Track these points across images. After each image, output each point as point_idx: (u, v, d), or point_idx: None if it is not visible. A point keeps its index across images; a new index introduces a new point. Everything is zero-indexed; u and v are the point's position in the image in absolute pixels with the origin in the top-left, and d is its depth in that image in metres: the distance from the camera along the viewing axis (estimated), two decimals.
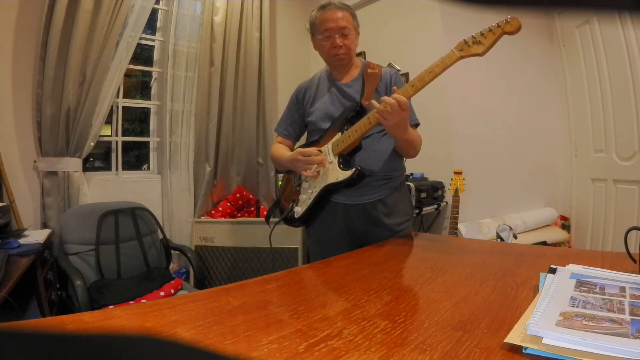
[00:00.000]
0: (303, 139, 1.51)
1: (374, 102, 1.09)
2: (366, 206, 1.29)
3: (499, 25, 0.96)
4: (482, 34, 0.98)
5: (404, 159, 1.40)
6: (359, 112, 1.24)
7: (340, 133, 1.25)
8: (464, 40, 1.00)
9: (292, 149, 1.44)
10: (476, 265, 0.89)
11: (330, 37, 1.29)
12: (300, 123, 1.45)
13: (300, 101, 1.43)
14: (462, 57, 1.01)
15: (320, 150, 1.27)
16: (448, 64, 1.02)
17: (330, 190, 1.26)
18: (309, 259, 1.45)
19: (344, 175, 1.21)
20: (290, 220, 1.37)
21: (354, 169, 1.20)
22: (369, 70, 1.32)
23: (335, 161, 1.24)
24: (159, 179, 2.68)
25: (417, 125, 1.33)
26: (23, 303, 1.64)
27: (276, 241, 2.35)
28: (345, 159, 1.24)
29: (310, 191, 1.30)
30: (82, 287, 1.61)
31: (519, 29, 0.94)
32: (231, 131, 2.88)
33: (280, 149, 1.42)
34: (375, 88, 1.29)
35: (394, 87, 1.12)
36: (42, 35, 2.07)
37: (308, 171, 1.24)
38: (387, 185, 1.31)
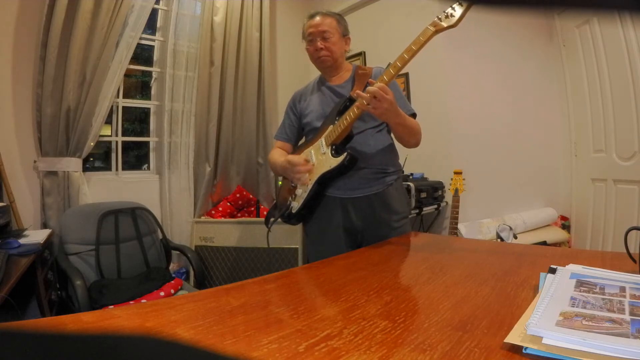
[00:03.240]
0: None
1: (359, 92, 1.12)
2: (362, 200, 1.31)
3: None
4: (452, 8, 1.01)
5: (398, 156, 1.41)
6: (349, 105, 1.25)
7: (332, 126, 1.27)
8: (437, 16, 1.04)
9: (291, 153, 1.47)
10: (476, 265, 0.89)
11: (312, 41, 1.36)
12: (298, 126, 1.48)
13: (297, 106, 1.47)
14: (436, 32, 1.05)
15: (307, 160, 1.29)
16: (423, 41, 1.06)
17: (325, 180, 1.27)
18: (308, 259, 1.46)
19: (336, 161, 1.22)
20: (288, 217, 1.38)
21: (345, 154, 1.21)
22: (360, 72, 1.34)
23: (328, 151, 1.26)
24: (159, 179, 2.68)
25: (414, 115, 1.34)
26: (23, 303, 1.64)
27: (276, 241, 2.35)
28: (338, 147, 1.26)
29: (306, 184, 1.31)
30: (82, 287, 1.61)
31: None
32: (231, 131, 2.88)
33: (276, 155, 1.44)
34: (366, 85, 1.30)
35: (370, 80, 1.16)
36: (42, 35, 2.07)
37: (299, 180, 1.29)
38: (382, 179, 1.33)
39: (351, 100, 1.25)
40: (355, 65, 1.42)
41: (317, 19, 1.36)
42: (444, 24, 1.02)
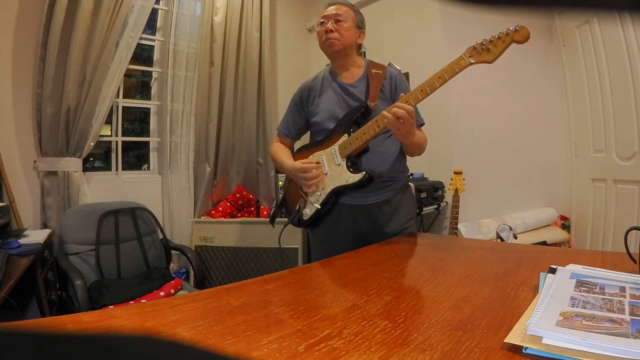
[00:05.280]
0: (305, 139, 1.49)
1: (385, 113, 1.09)
2: (371, 207, 1.29)
3: (507, 34, 0.96)
4: (491, 41, 0.98)
5: (407, 159, 1.40)
6: (364, 113, 1.24)
7: (346, 135, 1.25)
8: (473, 46, 1.00)
9: (291, 148, 1.45)
10: (476, 265, 0.89)
11: (323, 24, 1.32)
12: (302, 123, 1.44)
13: (305, 101, 1.41)
14: (472, 64, 1.02)
15: (317, 162, 1.28)
16: (457, 71, 1.02)
17: (340, 192, 1.27)
18: (311, 258, 1.46)
19: (353, 178, 1.22)
20: (298, 222, 1.37)
21: (364, 173, 1.20)
22: (373, 71, 1.31)
23: (344, 163, 1.24)
24: (159, 179, 2.68)
25: (422, 125, 1.34)
26: (23, 303, 1.64)
27: (276, 241, 2.35)
28: (353, 161, 1.24)
29: (319, 194, 1.30)
30: (82, 287, 1.61)
31: (527, 38, 0.95)
32: (231, 131, 2.88)
33: (281, 153, 1.41)
34: (380, 89, 1.29)
35: (401, 94, 1.12)
36: (42, 35, 2.07)
37: (309, 188, 1.29)
38: (391, 186, 1.32)
39: (367, 108, 1.24)
40: (367, 60, 1.37)
41: (333, 6, 1.33)
42: (481, 58, 1.00)
